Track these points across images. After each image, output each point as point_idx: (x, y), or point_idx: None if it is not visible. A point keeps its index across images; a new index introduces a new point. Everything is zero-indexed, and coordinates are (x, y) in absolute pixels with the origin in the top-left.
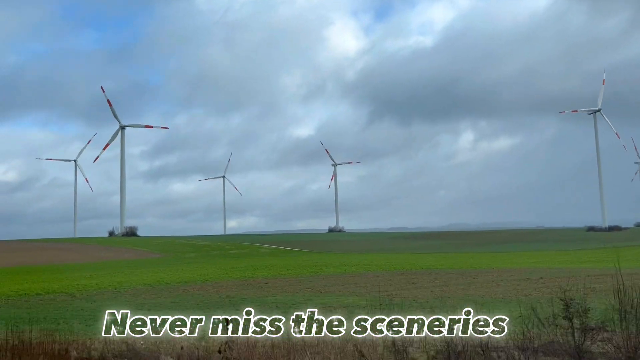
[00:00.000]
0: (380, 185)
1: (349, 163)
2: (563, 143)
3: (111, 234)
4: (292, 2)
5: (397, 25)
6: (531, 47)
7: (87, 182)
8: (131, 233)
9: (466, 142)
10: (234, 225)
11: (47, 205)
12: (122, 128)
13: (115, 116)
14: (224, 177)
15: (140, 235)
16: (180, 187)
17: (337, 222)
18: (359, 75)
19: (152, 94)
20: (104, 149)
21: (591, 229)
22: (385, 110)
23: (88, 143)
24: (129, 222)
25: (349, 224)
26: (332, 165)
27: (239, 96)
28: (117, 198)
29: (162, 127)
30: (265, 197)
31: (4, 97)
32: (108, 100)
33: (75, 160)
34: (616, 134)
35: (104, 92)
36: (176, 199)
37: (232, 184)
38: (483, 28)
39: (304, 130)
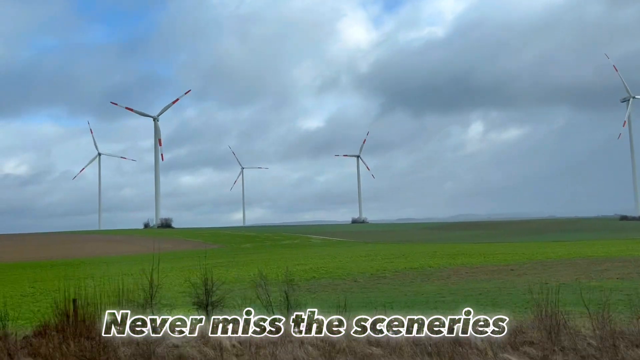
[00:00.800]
0: (388, 176)
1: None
2: (574, 133)
3: (146, 225)
4: None
5: (408, 16)
6: (547, 37)
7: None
8: (166, 225)
9: (476, 132)
10: (240, 217)
11: (57, 199)
12: (155, 119)
13: (142, 113)
14: (241, 169)
15: (175, 227)
16: (188, 180)
17: (360, 213)
18: (371, 67)
19: (164, 87)
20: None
21: (624, 217)
22: (397, 102)
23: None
24: (135, 215)
25: (356, 215)
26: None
27: (251, 89)
28: (127, 191)
29: (185, 93)
30: (273, 189)
31: (17, 91)
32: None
33: (99, 154)
34: None
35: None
36: (184, 192)
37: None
38: (496, 18)
39: (314, 122)
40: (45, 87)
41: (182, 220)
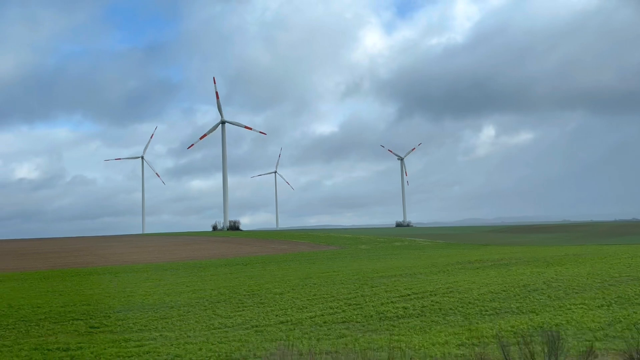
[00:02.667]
0: (396, 180)
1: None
2: (590, 135)
3: (214, 228)
4: (326, 1)
5: (427, 22)
6: (572, 42)
7: (159, 176)
8: (235, 227)
9: (488, 136)
10: (247, 221)
11: (67, 203)
12: (223, 123)
13: (220, 110)
14: (275, 172)
15: (242, 229)
16: (198, 184)
17: (404, 217)
18: (390, 73)
19: (187, 92)
20: (201, 138)
21: None
22: (414, 107)
23: (151, 138)
24: (146, 220)
25: (361, 219)
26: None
27: (274, 94)
28: (138, 195)
29: (260, 132)
30: (280, 193)
31: (42, 97)
32: (217, 93)
33: (142, 157)
34: None
35: (215, 83)
36: (193, 196)
37: (284, 178)
38: (518, 24)
39: (329, 127)
40: (67, 92)
41: (189, 223)
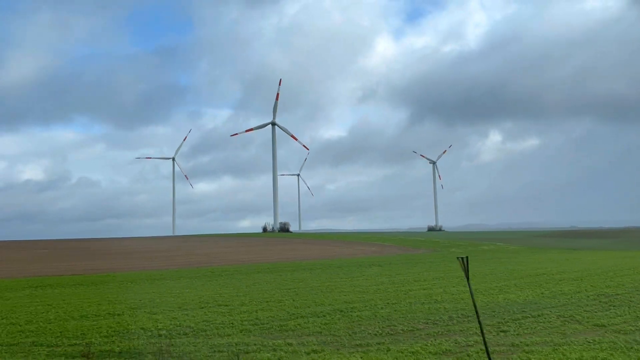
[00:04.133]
0: (399, 185)
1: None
2: (599, 142)
3: (264, 229)
4: (343, 8)
5: (441, 30)
6: (588, 51)
7: (187, 178)
8: (285, 229)
9: (494, 142)
10: (248, 224)
11: (74, 204)
12: (273, 124)
13: (274, 111)
14: (298, 175)
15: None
16: (203, 188)
17: (436, 221)
18: (403, 79)
19: (203, 96)
20: (247, 130)
21: None
22: (426, 113)
23: (184, 140)
24: (147, 222)
25: (361, 224)
26: (430, 163)
27: (289, 99)
28: (141, 197)
29: (304, 146)
30: (285, 196)
31: (54, 100)
32: (278, 94)
33: (173, 158)
34: None
35: (280, 85)
36: (197, 199)
37: (305, 183)
38: (535, 31)
39: (336, 131)
40: (77, 95)
41: (190, 226)
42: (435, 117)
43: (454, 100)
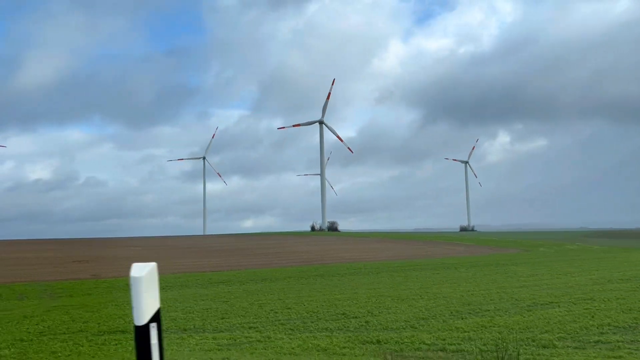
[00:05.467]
0: (405, 186)
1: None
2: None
3: (312, 228)
4: (358, 10)
5: (456, 31)
6: (606, 53)
7: (220, 176)
8: (334, 228)
9: (502, 143)
10: (251, 224)
11: (80, 204)
12: (321, 123)
13: (324, 110)
14: (320, 174)
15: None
16: (210, 187)
17: (468, 221)
18: (417, 81)
19: (215, 97)
20: (294, 125)
21: None
22: (439, 115)
23: (212, 138)
24: (149, 222)
25: (363, 224)
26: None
27: (304, 100)
28: (145, 197)
29: (348, 148)
30: (288, 197)
31: (75, 100)
32: (329, 93)
33: (204, 157)
34: None
35: (333, 84)
36: (201, 199)
37: (328, 182)
38: (551, 34)
39: (347, 132)
40: (89, 96)
41: (194, 225)
42: (448, 118)
43: (468, 102)
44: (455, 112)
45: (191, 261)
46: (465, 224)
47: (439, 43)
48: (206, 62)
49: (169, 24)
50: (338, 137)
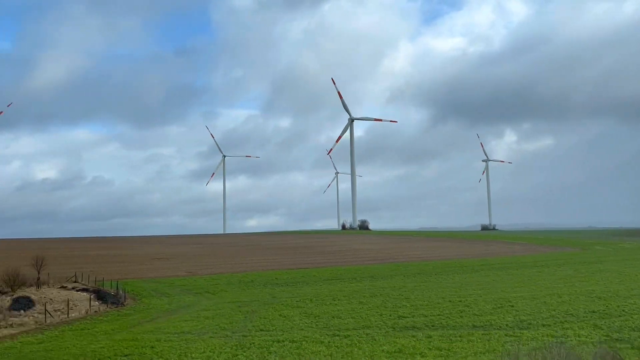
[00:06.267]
0: (412, 185)
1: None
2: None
3: (343, 227)
4: (369, 12)
5: (467, 31)
6: (618, 53)
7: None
8: (364, 227)
9: (509, 142)
10: (255, 224)
11: (86, 203)
12: (352, 120)
13: (346, 108)
14: (336, 173)
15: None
16: (215, 187)
17: (489, 220)
18: (427, 80)
19: (222, 97)
20: (337, 141)
21: None
22: (448, 114)
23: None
24: (154, 221)
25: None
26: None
27: (315, 100)
28: (150, 197)
29: (391, 121)
30: (292, 197)
31: (85, 101)
32: (339, 92)
33: (223, 156)
34: None
35: (334, 84)
36: (208, 198)
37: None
38: (563, 33)
39: (355, 131)
40: (103, 96)
41: (197, 225)
42: (458, 118)
43: (478, 102)
44: (466, 111)
45: (271, 258)
46: (480, 222)
47: (449, 43)
48: (215, 62)
49: (180, 24)
50: (375, 119)
